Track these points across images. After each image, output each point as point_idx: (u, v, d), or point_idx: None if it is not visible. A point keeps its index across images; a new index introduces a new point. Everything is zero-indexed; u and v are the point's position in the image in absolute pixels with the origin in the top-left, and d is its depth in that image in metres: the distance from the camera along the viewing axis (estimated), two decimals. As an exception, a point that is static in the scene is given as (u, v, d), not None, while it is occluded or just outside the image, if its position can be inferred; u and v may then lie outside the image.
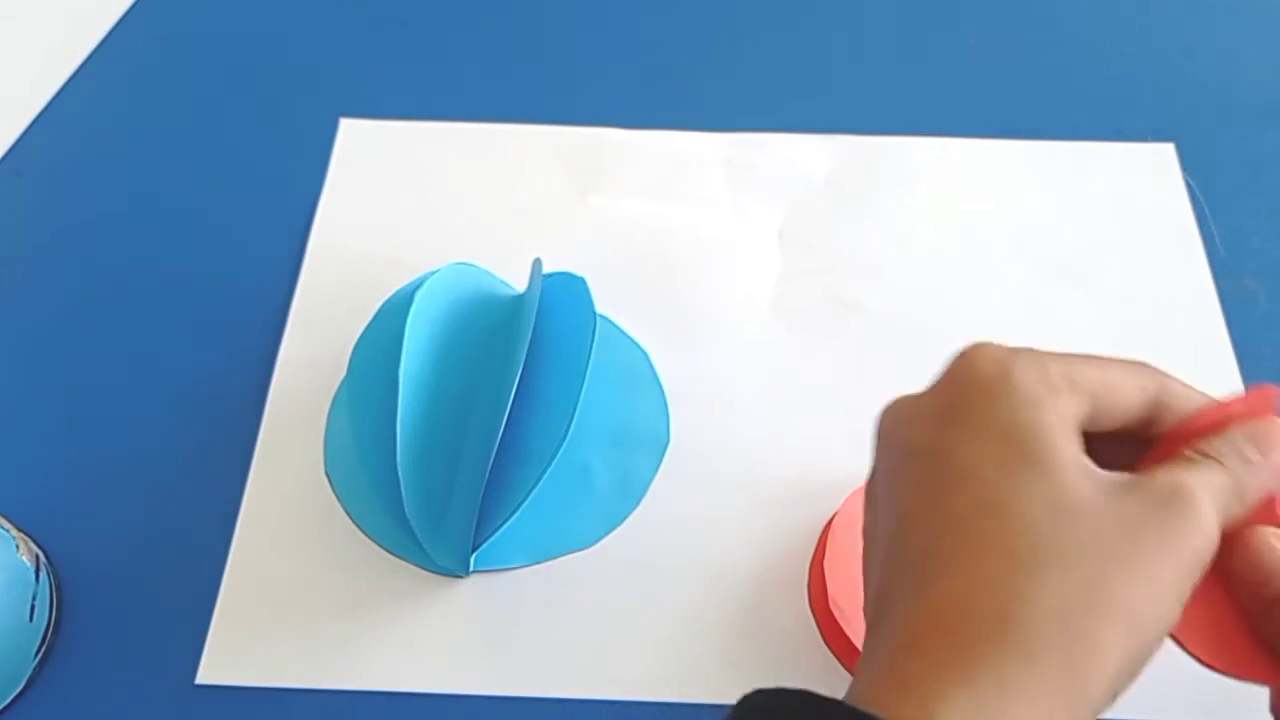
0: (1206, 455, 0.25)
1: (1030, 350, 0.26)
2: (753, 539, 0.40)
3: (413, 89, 0.55)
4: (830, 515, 0.40)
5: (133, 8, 0.58)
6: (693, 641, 0.38)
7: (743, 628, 0.38)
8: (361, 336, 0.41)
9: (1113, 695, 0.22)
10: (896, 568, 0.25)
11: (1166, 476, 0.24)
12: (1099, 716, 0.22)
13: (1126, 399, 0.26)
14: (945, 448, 0.25)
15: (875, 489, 0.28)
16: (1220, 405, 0.27)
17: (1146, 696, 0.35)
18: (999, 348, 0.26)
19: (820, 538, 0.40)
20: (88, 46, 0.56)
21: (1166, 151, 0.51)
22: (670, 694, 0.37)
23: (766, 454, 0.42)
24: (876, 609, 0.25)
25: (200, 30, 0.58)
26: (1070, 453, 0.24)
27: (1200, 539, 0.23)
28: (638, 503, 0.41)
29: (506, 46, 0.57)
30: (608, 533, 0.40)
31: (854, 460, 0.42)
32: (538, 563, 0.40)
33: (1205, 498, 0.24)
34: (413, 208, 0.50)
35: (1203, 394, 0.27)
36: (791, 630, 0.38)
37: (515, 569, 0.39)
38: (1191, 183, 0.49)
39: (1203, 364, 0.44)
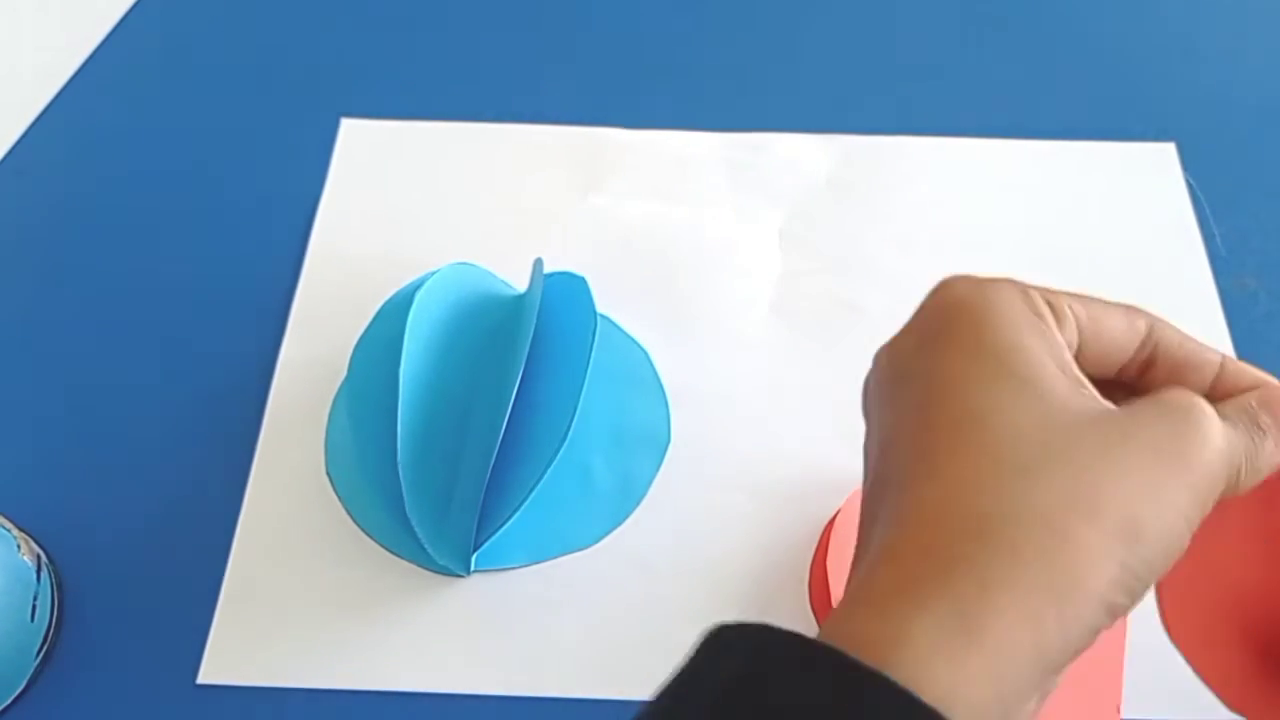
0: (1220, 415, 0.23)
1: (1008, 278, 0.25)
2: (753, 538, 0.40)
3: (413, 89, 0.55)
4: (830, 514, 0.40)
5: (133, 8, 0.58)
6: (693, 640, 0.38)
7: (743, 627, 0.38)
8: (362, 337, 0.41)
9: (1109, 610, 0.21)
10: (879, 489, 0.24)
11: (1179, 395, 0.23)
12: (1095, 631, 0.20)
13: (1115, 334, 0.25)
14: (927, 368, 0.24)
15: (866, 436, 0.27)
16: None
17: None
18: (976, 276, 0.25)
19: (821, 536, 0.40)
20: (88, 46, 0.56)
21: (1167, 151, 0.51)
22: (671, 693, 0.37)
23: (767, 453, 0.42)
24: (860, 538, 0.24)
25: (201, 30, 0.58)
26: (1059, 372, 0.23)
27: (1211, 455, 0.22)
28: (638, 502, 0.41)
29: (507, 47, 0.57)
30: (608, 532, 0.40)
31: (854, 459, 0.42)
32: (538, 562, 0.40)
33: (1218, 426, 0.22)
34: (413, 208, 0.50)
35: (1196, 341, 0.26)
36: (792, 628, 0.38)
37: (516, 568, 0.39)
38: (1192, 182, 0.49)
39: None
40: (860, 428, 0.42)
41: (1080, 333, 0.25)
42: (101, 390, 0.44)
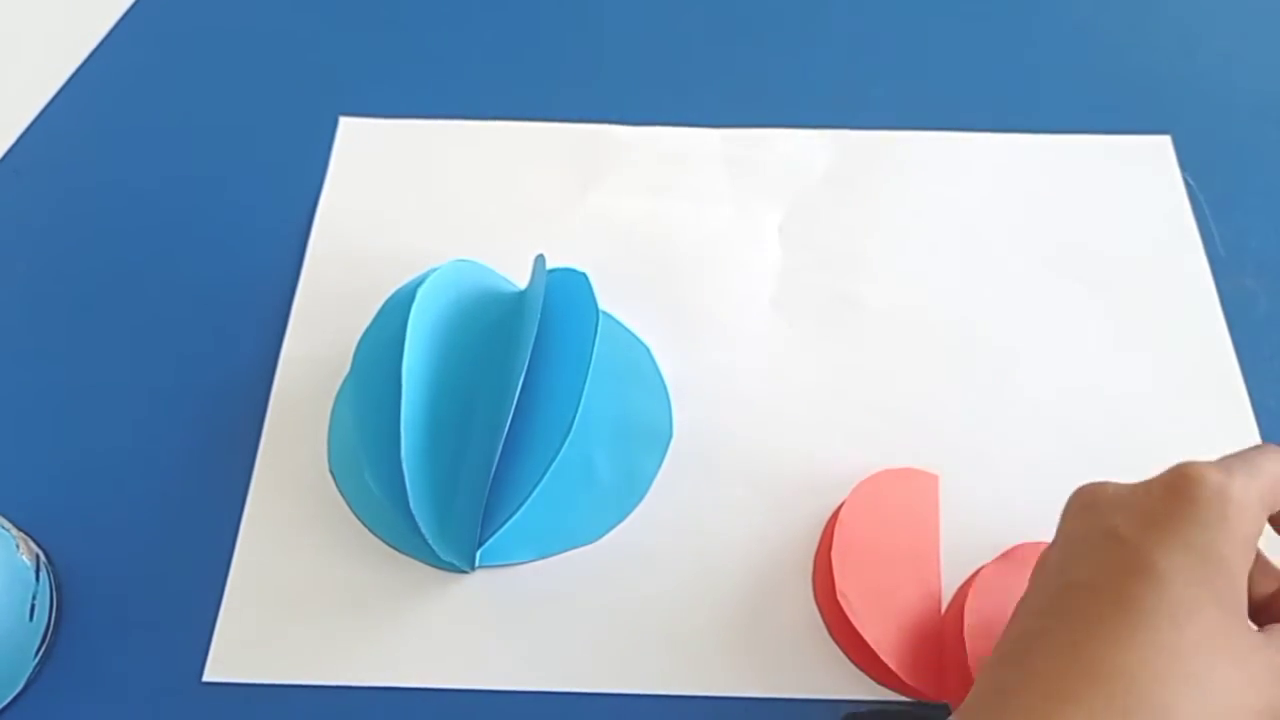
0: None
1: (1243, 475, 0.28)
2: (756, 532, 0.40)
3: (412, 87, 0.55)
4: (834, 507, 0.40)
5: (133, 8, 0.58)
6: (697, 635, 0.38)
7: (748, 620, 0.38)
8: (365, 333, 0.41)
9: None
10: (1057, 619, 0.28)
11: None
12: None
13: None
14: (1144, 545, 0.27)
15: (1053, 555, 0.30)
16: None
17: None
18: (1217, 471, 0.28)
19: (826, 530, 0.40)
20: (88, 46, 0.56)
21: (1163, 144, 0.51)
22: (676, 687, 0.37)
23: (769, 448, 0.42)
24: (1018, 648, 0.28)
25: (201, 30, 0.58)
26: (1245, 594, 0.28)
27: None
28: (642, 497, 0.41)
29: (505, 44, 0.57)
30: (612, 527, 0.40)
31: (855, 453, 0.42)
32: (542, 558, 0.40)
33: None
34: (413, 206, 0.50)
35: None
36: (797, 622, 0.38)
37: (520, 564, 0.40)
38: (1191, 182, 0.49)
39: (1201, 350, 0.44)
40: (860, 421, 0.43)
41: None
42: (101, 389, 0.44)
